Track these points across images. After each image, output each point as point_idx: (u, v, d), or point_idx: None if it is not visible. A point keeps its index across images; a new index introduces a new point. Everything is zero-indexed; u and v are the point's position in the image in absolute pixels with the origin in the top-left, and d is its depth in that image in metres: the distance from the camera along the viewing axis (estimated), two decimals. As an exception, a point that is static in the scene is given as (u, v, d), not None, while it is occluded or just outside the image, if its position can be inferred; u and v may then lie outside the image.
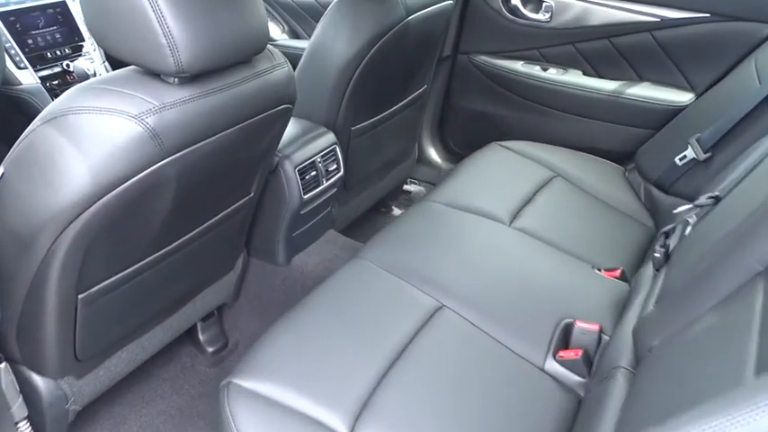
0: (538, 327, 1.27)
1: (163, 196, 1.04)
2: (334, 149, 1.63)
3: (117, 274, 1.14)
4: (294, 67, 1.65)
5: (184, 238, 1.26)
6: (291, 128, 1.58)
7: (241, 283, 1.66)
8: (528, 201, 1.70)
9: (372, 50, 1.61)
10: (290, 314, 1.24)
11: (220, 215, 1.33)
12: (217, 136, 1.05)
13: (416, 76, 1.95)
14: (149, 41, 0.93)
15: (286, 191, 1.50)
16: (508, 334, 1.25)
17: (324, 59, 1.63)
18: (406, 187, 2.34)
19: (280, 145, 1.49)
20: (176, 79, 0.97)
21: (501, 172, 1.83)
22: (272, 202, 1.53)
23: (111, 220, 0.99)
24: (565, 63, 2.04)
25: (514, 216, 1.62)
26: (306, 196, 1.53)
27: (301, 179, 1.51)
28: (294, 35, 2.60)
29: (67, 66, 1.77)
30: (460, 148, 2.31)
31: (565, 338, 1.25)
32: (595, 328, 1.23)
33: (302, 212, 1.56)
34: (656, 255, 1.35)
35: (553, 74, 2.03)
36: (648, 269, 1.41)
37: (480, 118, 2.20)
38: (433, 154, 2.35)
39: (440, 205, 1.63)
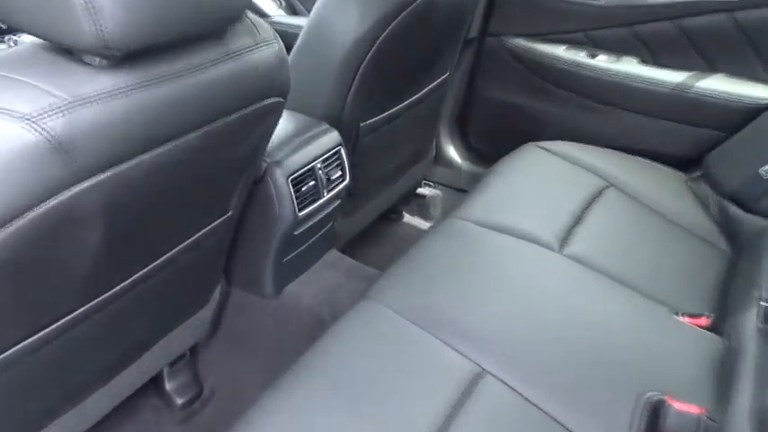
0: (614, 403, 0.94)
1: (86, 231, 0.70)
2: (338, 152, 1.29)
3: (32, 335, 0.80)
4: (290, 51, 1.31)
5: (134, 277, 0.92)
6: (284, 125, 1.24)
7: (219, 319, 1.33)
8: (579, 218, 1.36)
9: (388, 29, 1.27)
10: (278, 386, 0.91)
11: (185, 243, 0.99)
12: (169, 145, 0.71)
13: (439, 60, 1.61)
14: (56, 1, 0.59)
15: (276, 207, 1.16)
16: (574, 413, 0.92)
17: (326, 39, 1.30)
18: (420, 191, 2.00)
19: (268, 147, 1.15)
20: (101, 60, 0.63)
21: (542, 180, 1.50)
22: (258, 220, 1.19)
23: (3, 268, 0.65)
24: (618, 49, 1.69)
25: (565, 239, 1.29)
26: (302, 213, 1.19)
27: (296, 191, 1.17)
28: (292, 11, 2.24)
29: (15, 43, 1.44)
30: (484, 146, 1.96)
31: (651, 422, 0.92)
32: (697, 411, 0.90)
33: (296, 233, 1.22)
34: (765, 304, 1.02)
35: (603, 61, 1.69)
36: (748, 319, 1.08)
37: (510, 112, 1.86)
38: (452, 153, 2.01)
39: (470, 225, 1.29)
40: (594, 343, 1.04)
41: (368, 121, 1.43)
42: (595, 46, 1.72)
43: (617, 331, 1.07)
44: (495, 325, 1.04)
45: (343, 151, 1.30)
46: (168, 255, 0.98)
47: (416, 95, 1.58)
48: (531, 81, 1.79)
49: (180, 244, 0.99)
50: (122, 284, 0.91)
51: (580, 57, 1.72)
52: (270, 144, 1.14)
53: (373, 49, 1.28)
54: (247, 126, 0.85)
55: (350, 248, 1.62)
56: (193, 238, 1.02)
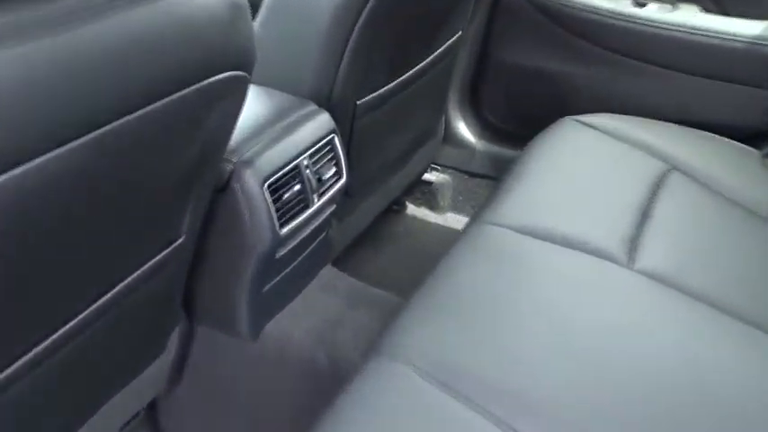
0: None
1: None
2: (331, 141, 0.97)
3: None
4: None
5: (47, 342, 0.62)
6: (255, 107, 0.92)
7: (182, 366, 1.01)
8: (645, 215, 1.05)
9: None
10: None
11: (115, 291, 0.68)
12: (38, 161, 0.39)
13: (451, 16, 1.28)
14: None
15: (247, 225, 0.83)
16: None
17: None
18: (426, 176, 1.68)
19: (233, 141, 0.82)
20: None
21: (590, 165, 1.19)
22: (224, 242, 0.87)
23: None
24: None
25: (633, 246, 0.98)
26: (284, 230, 0.87)
27: (275, 201, 0.85)
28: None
29: None
30: (502, 121, 1.64)
31: None
32: None
33: (278, 256, 0.90)
34: None
35: (654, 11, 1.36)
36: None
37: (534, 78, 1.53)
38: (463, 130, 1.67)
39: (508, 232, 0.98)
40: (707, 408, 0.73)
41: (366, 98, 1.10)
42: (644, -8, 1.40)
43: (733, 386, 0.77)
44: (566, 390, 0.73)
45: (337, 140, 0.98)
46: (93, 308, 0.67)
47: (425, 61, 1.26)
48: (560, 39, 1.46)
49: (107, 292, 0.68)
50: (33, 352, 0.60)
51: (625, 5, 1.39)
52: (235, 136, 0.82)
53: (369, 5, 0.96)
54: (186, 118, 0.52)
55: (343, 253, 1.31)
56: (127, 280, 0.70)
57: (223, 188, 0.84)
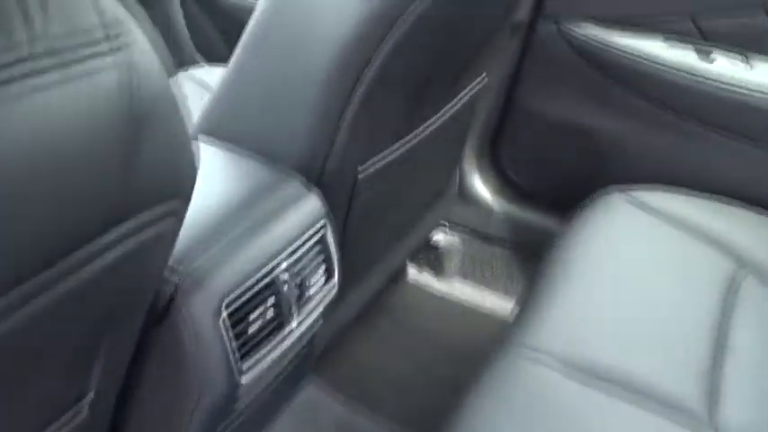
0: None
1: None
2: (321, 233, 0.71)
3: None
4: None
5: None
6: (217, 184, 0.66)
7: None
8: (720, 342, 0.82)
9: (408, 11, 0.71)
10: None
11: None
12: None
13: (476, 57, 1.04)
14: None
15: (191, 370, 0.58)
16: None
17: (304, 29, 0.75)
18: (434, 238, 1.42)
19: (181, 244, 0.56)
20: None
21: (648, 263, 0.96)
22: (163, 383, 0.61)
23: None
24: (747, 45, 1.13)
25: (712, 393, 0.74)
26: (247, 372, 0.61)
27: (237, 335, 0.59)
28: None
29: None
30: (525, 179, 1.38)
31: None
32: None
33: (238, 405, 0.65)
34: None
35: (723, 65, 1.12)
36: None
37: (569, 133, 1.28)
38: (478, 185, 1.42)
39: (550, 369, 0.73)
40: None
41: (370, 164, 0.85)
42: (708, 39, 1.15)
43: None
44: None
45: (329, 231, 0.72)
46: None
47: (443, 111, 1.01)
48: (603, 89, 1.21)
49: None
50: None
51: (686, 57, 1.14)
52: (186, 234, 0.56)
53: (389, 48, 0.72)
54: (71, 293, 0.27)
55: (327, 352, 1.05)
56: None
57: (166, 308, 0.58)
